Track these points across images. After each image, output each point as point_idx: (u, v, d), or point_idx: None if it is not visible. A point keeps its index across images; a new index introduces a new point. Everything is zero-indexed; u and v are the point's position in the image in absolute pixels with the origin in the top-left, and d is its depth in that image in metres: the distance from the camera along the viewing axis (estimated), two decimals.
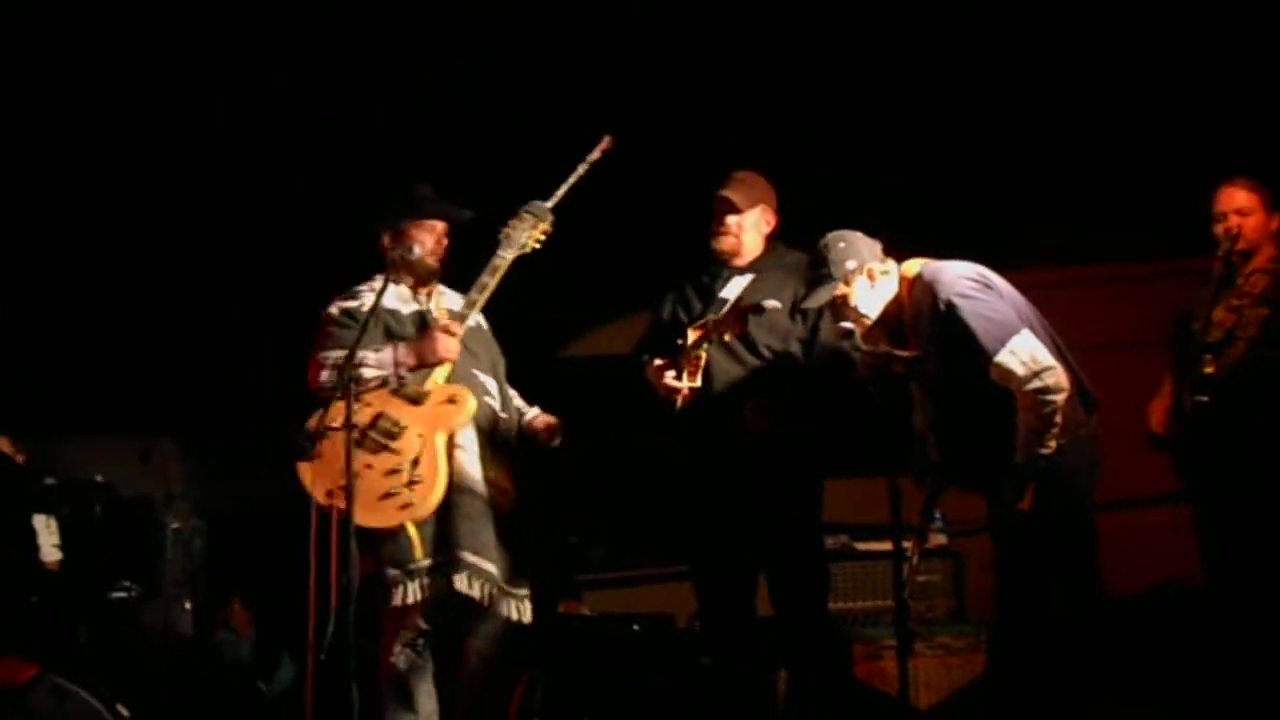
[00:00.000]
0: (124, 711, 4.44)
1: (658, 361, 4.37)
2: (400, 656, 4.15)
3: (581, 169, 4.37)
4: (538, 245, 4.33)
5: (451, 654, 4.23)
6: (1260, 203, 4.62)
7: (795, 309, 4.35)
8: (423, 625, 4.15)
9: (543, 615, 5.25)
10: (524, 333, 4.69)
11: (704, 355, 4.20)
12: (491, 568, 4.13)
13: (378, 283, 4.19)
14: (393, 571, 4.08)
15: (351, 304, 4.25)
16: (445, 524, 4.11)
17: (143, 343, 7.07)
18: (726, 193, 4.50)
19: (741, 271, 4.43)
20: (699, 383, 4.20)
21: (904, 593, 3.82)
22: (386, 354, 4.16)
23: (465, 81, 6.20)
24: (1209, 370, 4.46)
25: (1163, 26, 5.95)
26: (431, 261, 4.31)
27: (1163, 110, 6.13)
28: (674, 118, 6.24)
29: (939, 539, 5.09)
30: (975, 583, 4.94)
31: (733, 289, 4.36)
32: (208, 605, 7.21)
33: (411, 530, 4.10)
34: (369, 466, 4.03)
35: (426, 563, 4.09)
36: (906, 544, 3.87)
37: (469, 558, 4.09)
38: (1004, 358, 3.85)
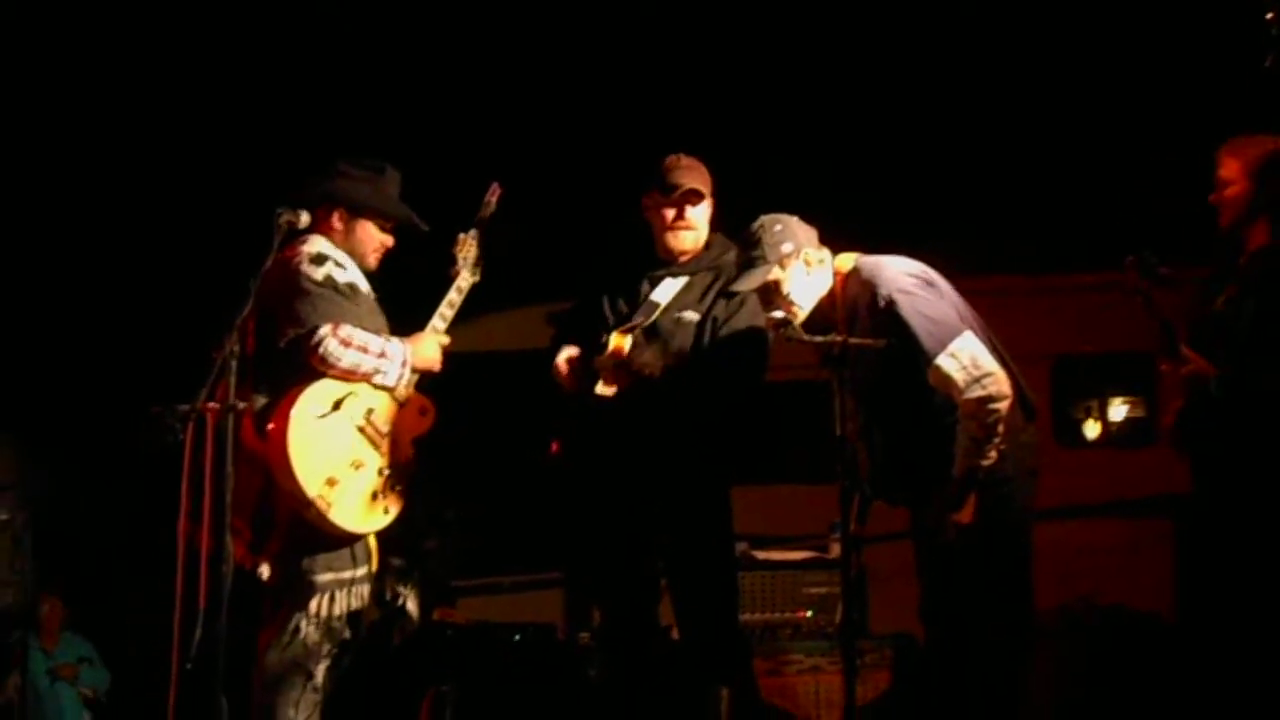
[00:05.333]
0: None
1: (566, 354, 4.07)
2: (320, 673, 3.76)
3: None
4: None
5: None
6: (1244, 171, 3.74)
7: (723, 294, 4.08)
8: (347, 635, 3.81)
9: (422, 622, 4.97)
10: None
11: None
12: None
13: (327, 249, 3.81)
14: (325, 577, 3.74)
15: (340, 276, 3.80)
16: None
17: None
18: (687, 181, 4.08)
19: (674, 273, 4.14)
20: (612, 391, 3.96)
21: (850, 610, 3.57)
22: (397, 348, 3.83)
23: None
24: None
25: (1088, 42, 5.93)
26: (371, 262, 3.95)
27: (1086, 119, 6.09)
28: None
29: (837, 549, 4.86)
30: (878, 595, 4.72)
31: (662, 293, 4.11)
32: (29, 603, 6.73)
33: (372, 539, 3.85)
34: (360, 465, 3.75)
35: (362, 571, 3.83)
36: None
37: (395, 562, 4.04)
38: (943, 361, 3.63)
